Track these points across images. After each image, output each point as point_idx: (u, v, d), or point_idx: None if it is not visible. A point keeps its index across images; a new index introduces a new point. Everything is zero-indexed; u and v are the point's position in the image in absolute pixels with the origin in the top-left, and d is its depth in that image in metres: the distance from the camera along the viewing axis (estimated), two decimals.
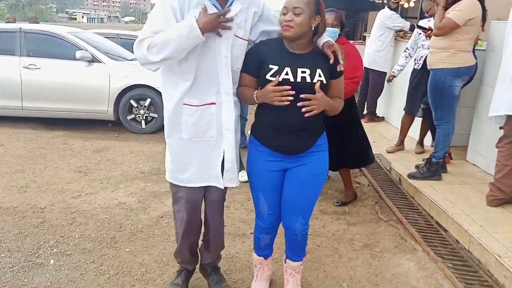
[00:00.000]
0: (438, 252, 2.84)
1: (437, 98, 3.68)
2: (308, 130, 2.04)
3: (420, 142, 4.73)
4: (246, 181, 2.30)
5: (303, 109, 1.92)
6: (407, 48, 4.93)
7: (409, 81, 4.57)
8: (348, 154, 3.44)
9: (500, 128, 3.23)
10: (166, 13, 1.85)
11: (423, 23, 4.61)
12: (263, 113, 2.06)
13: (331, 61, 1.95)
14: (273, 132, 2.03)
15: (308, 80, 1.93)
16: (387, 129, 5.93)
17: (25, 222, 3.09)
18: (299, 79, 1.92)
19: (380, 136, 5.56)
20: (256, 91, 2.00)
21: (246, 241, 2.98)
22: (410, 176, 3.88)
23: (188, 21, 1.82)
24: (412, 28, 5.83)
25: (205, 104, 1.99)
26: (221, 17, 1.86)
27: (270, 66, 1.94)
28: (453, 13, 3.43)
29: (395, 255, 2.88)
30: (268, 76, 1.94)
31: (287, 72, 1.92)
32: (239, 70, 2.04)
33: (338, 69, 1.98)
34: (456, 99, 3.69)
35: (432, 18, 4.26)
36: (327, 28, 2.49)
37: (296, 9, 1.87)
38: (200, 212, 2.23)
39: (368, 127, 5.99)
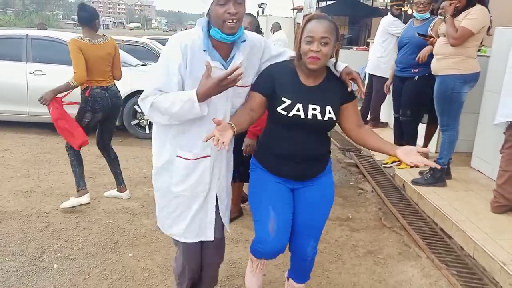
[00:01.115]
0: (442, 259, 2.82)
1: (445, 105, 3.67)
2: (318, 159, 2.03)
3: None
4: None
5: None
6: None
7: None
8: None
9: (504, 133, 3.22)
10: (169, 68, 1.76)
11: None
12: (271, 141, 2.00)
13: (349, 89, 1.92)
14: (282, 160, 1.99)
15: (319, 117, 1.90)
16: (391, 134, 5.91)
17: (29, 227, 3.10)
18: (309, 116, 1.89)
19: None
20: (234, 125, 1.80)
21: (248, 246, 2.95)
22: (414, 182, 3.87)
23: (189, 96, 1.72)
24: None
25: (199, 158, 1.89)
26: (226, 79, 1.72)
27: (283, 99, 1.89)
28: (467, 22, 3.43)
29: (399, 262, 2.87)
30: (279, 109, 1.90)
31: (298, 108, 1.89)
32: None
33: (358, 95, 1.98)
34: (462, 106, 3.69)
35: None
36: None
37: (324, 39, 1.80)
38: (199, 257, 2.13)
39: None
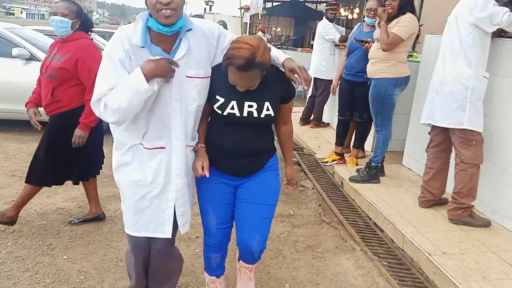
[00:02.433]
0: (374, 252, 2.98)
1: (378, 106, 3.89)
2: (259, 154, 2.04)
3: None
4: None
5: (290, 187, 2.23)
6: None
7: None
8: (77, 166, 3.01)
9: (429, 133, 3.47)
10: (116, 65, 1.72)
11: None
12: (214, 136, 2.00)
13: (297, 85, 1.91)
14: (224, 156, 2.00)
15: (255, 115, 1.89)
16: (332, 134, 6.13)
17: None
18: (245, 114, 1.89)
19: (325, 141, 5.75)
20: (199, 146, 1.98)
21: (191, 245, 2.97)
22: (351, 179, 4.05)
23: (135, 75, 1.68)
24: (342, 40, 6.13)
25: (155, 148, 1.87)
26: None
27: (217, 97, 1.89)
28: (397, 29, 3.67)
29: (336, 255, 3.00)
30: (215, 107, 1.91)
31: (232, 106, 1.88)
32: (195, 110, 1.90)
33: (305, 89, 2.01)
34: (394, 107, 3.92)
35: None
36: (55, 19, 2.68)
37: (248, 88, 1.85)
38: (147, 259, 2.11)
39: (314, 132, 6.21)
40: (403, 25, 3.66)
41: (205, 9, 27.76)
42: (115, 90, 1.69)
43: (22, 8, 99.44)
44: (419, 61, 4.49)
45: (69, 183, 3.08)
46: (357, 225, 3.41)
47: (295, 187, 2.22)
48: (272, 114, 1.93)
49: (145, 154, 1.87)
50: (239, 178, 2.07)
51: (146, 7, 1.74)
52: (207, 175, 1.93)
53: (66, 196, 3.60)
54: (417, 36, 3.83)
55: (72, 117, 2.80)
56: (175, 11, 1.67)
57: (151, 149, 1.86)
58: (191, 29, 1.80)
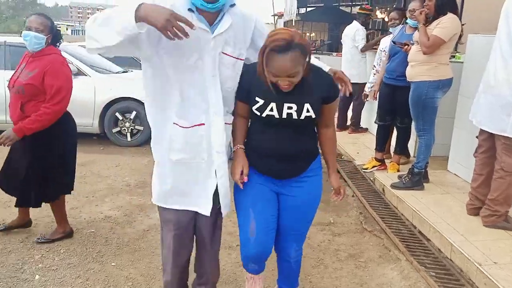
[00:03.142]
0: (421, 261, 2.90)
1: (419, 110, 3.79)
2: (302, 156, 1.98)
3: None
4: None
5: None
6: (374, 66, 5.11)
7: None
8: (53, 185, 2.94)
9: (476, 137, 3.33)
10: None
11: (384, 41, 4.81)
12: (253, 137, 1.98)
13: (342, 90, 1.95)
14: (263, 157, 1.96)
15: (295, 116, 1.84)
16: (371, 140, 6.02)
17: (9, 238, 3.06)
18: (284, 115, 1.84)
19: (363, 147, 5.66)
20: (238, 146, 1.97)
21: (232, 253, 3.00)
22: (393, 186, 3.96)
23: (132, 7, 1.58)
24: (365, 49, 6.09)
25: (194, 126, 1.85)
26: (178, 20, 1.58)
27: (257, 98, 1.86)
28: (438, 31, 3.55)
29: (379, 265, 2.94)
30: (253, 109, 1.88)
31: (272, 108, 1.84)
32: (231, 90, 1.90)
33: (345, 93, 2.00)
34: (436, 111, 3.80)
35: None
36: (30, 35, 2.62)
37: (289, 75, 1.74)
38: (190, 240, 2.08)
39: (352, 138, 6.13)
40: (444, 26, 3.55)
41: None
42: (112, 9, 1.65)
43: (67, 25, 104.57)
44: (462, 62, 4.33)
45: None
46: (400, 233, 3.32)
47: (342, 197, 2.13)
48: (313, 116, 1.88)
49: (184, 133, 1.85)
50: (280, 180, 2.01)
51: None
52: (245, 180, 1.90)
53: (113, 204, 3.74)
54: (460, 36, 3.70)
55: (47, 132, 2.76)
56: None
57: (190, 127, 1.85)
58: (234, 4, 1.80)
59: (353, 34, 6.20)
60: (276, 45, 1.68)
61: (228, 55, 1.83)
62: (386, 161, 4.65)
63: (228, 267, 2.82)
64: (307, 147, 1.99)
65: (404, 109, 4.10)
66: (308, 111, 1.84)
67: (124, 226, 3.34)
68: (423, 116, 3.79)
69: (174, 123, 1.85)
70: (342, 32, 6.56)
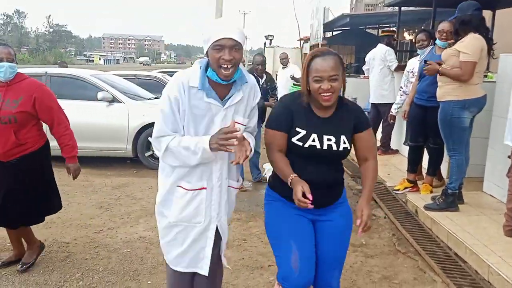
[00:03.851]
0: (458, 283, 2.83)
1: (446, 130, 3.77)
2: (335, 185, 2.07)
3: (438, 176, 4.69)
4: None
5: (361, 230, 1.92)
6: (401, 87, 5.11)
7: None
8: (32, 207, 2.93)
9: (509, 157, 3.27)
10: (172, 105, 1.88)
11: (412, 63, 4.82)
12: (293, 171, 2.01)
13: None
14: None
15: (334, 148, 1.95)
16: (401, 161, 5.96)
17: (51, 257, 3.19)
18: (325, 147, 1.95)
19: (394, 169, 5.60)
20: (293, 176, 1.93)
21: (264, 273, 3.02)
22: (427, 207, 3.90)
23: (202, 144, 1.85)
24: (399, 68, 6.09)
25: (196, 189, 1.97)
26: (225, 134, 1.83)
27: (298, 129, 1.95)
28: (464, 56, 3.52)
29: (414, 287, 2.88)
30: (294, 140, 1.96)
31: (314, 139, 1.94)
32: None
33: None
34: (467, 130, 3.76)
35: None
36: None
37: (333, 76, 1.86)
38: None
39: (382, 160, 6.08)
40: (466, 51, 3.51)
41: (265, 43, 28.59)
42: (181, 146, 1.87)
43: (100, 55, 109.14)
44: (494, 81, 4.29)
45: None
46: (436, 255, 3.26)
47: (364, 225, 1.95)
48: (348, 147, 1.99)
49: (185, 195, 1.97)
50: (316, 210, 2.01)
51: (206, 56, 1.89)
52: (311, 198, 1.84)
53: (147, 225, 3.84)
54: (489, 51, 3.63)
55: (39, 155, 2.90)
56: (234, 68, 1.84)
57: (192, 190, 1.96)
58: (247, 82, 1.97)
59: (383, 55, 6.25)
60: (317, 51, 1.91)
61: (239, 123, 1.97)
62: (418, 182, 4.58)
63: (261, 286, 2.83)
64: (340, 177, 2.11)
65: (436, 129, 4.06)
66: (344, 142, 1.97)
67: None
68: (452, 136, 3.75)
69: (177, 185, 1.97)
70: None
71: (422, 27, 8.56)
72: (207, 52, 1.86)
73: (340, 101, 2.01)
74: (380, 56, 6.32)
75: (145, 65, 79.53)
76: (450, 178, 3.87)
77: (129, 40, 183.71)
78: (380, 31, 16.51)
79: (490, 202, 4.05)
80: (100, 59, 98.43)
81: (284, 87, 8.01)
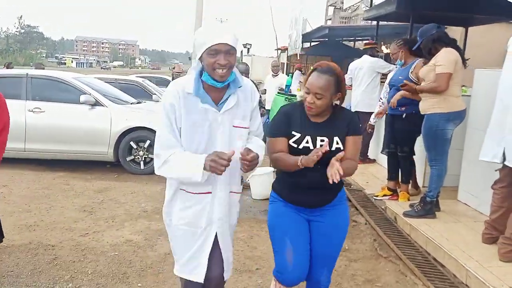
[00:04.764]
0: (437, 286, 2.96)
1: (430, 141, 3.93)
2: (330, 187, 2.08)
3: (414, 185, 4.89)
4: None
5: (330, 180, 1.92)
6: (380, 98, 5.33)
7: None
8: None
9: (496, 170, 3.38)
10: (169, 113, 1.91)
11: (392, 75, 5.06)
12: (285, 173, 2.14)
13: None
14: (296, 189, 2.14)
15: (327, 148, 2.02)
16: (379, 170, 6.15)
17: (38, 259, 3.15)
18: (318, 147, 2.04)
19: (372, 177, 5.78)
20: (301, 157, 2.00)
21: (252, 276, 3.07)
22: (406, 214, 4.05)
23: (198, 166, 1.85)
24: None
25: (201, 193, 1.98)
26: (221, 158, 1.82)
27: (293, 133, 2.09)
28: (439, 68, 3.72)
29: None
30: (291, 142, 2.09)
31: (307, 140, 2.08)
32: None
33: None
34: (449, 142, 3.94)
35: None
36: None
37: (317, 94, 2.01)
38: None
39: (360, 168, 6.23)
40: (440, 63, 3.72)
41: (242, 52, 28.81)
42: (178, 160, 1.89)
43: (72, 58, 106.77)
44: (469, 95, 4.52)
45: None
46: (415, 260, 3.39)
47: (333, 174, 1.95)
48: (341, 148, 2.09)
49: (190, 198, 1.98)
50: (311, 209, 2.19)
51: (200, 61, 1.92)
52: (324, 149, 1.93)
53: (133, 229, 3.83)
54: (463, 61, 3.83)
55: None
56: (228, 70, 1.89)
57: (196, 193, 1.97)
58: (241, 86, 2.01)
59: (373, 64, 6.40)
60: (319, 65, 2.07)
61: (238, 126, 2.01)
62: (399, 190, 4.75)
63: None
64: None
65: (401, 137, 4.36)
66: (337, 143, 2.08)
67: (146, 250, 3.42)
68: (435, 147, 3.92)
69: (180, 188, 2.00)
70: (345, 66, 6.78)
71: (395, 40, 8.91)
72: (200, 57, 1.89)
73: (336, 108, 2.14)
74: (369, 66, 6.43)
75: (104, 68, 76.11)
76: (429, 186, 4.03)
77: (102, 43, 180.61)
78: (358, 43, 17.00)
79: (465, 210, 4.25)
80: (72, 61, 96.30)
81: (272, 96, 8.05)
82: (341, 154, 1.96)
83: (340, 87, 2.06)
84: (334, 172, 1.89)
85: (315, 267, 2.20)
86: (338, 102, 2.13)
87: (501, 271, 2.94)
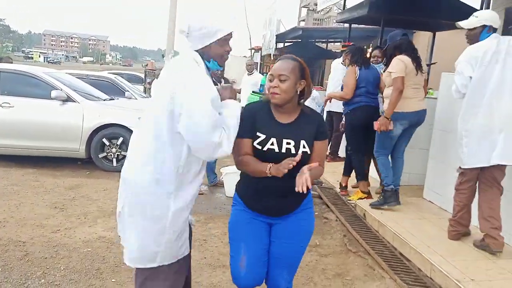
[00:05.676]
0: (403, 279, 3.11)
1: (377, 134, 4.27)
2: (293, 193, 1.93)
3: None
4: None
5: (298, 189, 1.86)
6: None
7: None
8: None
9: (458, 171, 3.47)
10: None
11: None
12: (249, 176, 2.06)
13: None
14: (259, 196, 2.07)
15: (293, 151, 1.98)
16: None
17: (8, 255, 3.09)
18: (284, 150, 1.98)
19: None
20: (270, 165, 1.94)
21: (226, 271, 3.12)
22: (372, 205, 4.33)
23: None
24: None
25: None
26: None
27: (258, 133, 2.01)
28: (392, 74, 4.03)
29: (365, 283, 3.12)
30: (255, 144, 2.00)
31: (272, 142, 1.99)
32: None
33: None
34: (394, 140, 4.22)
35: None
36: None
37: (281, 76, 1.96)
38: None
39: (331, 167, 6.39)
40: (392, 70, 4.04)
41: None
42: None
43: (40, 52, 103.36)
44: (435, 98, 4.72)
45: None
46: (383, 254, 3.54)
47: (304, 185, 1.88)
48: (308, 152, 2.01)
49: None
50: (273, 217, 2.12)
51: (201, 53, 1.94)
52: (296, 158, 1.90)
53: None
54: (418, 67, 4.10)
55: None
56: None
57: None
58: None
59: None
60: (283, 54, 2.14)
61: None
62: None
63: (224, 284, 2.94)
64: None
65: (347, 135, 4.83)
66: (304, 147, 2.01)
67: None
68: (378, 140, 4.28)
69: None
70: (318, 67, 6.91)
71: (371, 44, 9.13)
72: (200, 49, 1.92)
73: (303, 109, 2.08)
74: (343, 67, 6.55)
75: (52, 63, 67.07)
76: (381, 176, 4.34)
77: (72, 38, 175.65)
78: (330, 44, 17.27)
79: (430, 207, 4.45)
80: (40, 56, 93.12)
81: (247, 94, 8.10)
82: (315, 164, 1.94)
83: (304, 74, 2.01)
84: (303, 181, 1.84)
85: (274, 270, 2.14)
86: (303, 95, 2.04)
87: (464, 264, 3.11)
